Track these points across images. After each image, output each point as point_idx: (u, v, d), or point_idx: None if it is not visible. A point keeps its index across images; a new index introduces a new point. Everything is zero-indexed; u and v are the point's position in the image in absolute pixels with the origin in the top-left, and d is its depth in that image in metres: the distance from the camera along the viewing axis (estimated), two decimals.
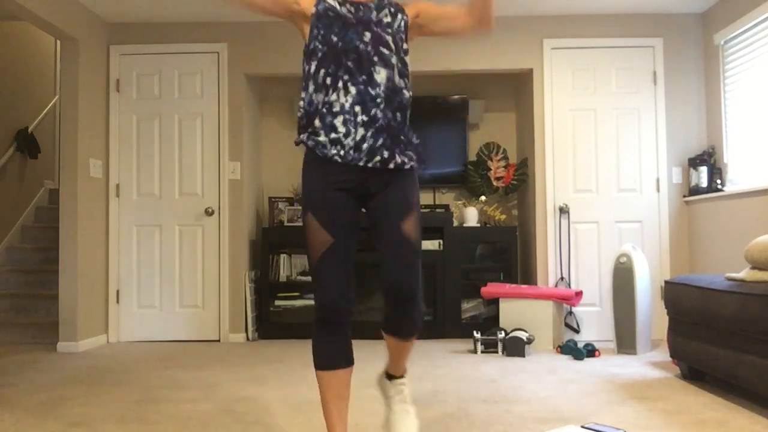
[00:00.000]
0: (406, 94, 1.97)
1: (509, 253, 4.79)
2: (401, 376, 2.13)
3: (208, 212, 4.76)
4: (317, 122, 1.91)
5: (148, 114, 4.83)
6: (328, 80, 1.90)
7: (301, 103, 1.96)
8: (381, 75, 1.90)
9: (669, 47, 4.68)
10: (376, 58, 1.90)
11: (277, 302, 4.81)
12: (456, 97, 5.14)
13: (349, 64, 1.89)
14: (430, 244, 4.73)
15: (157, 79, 4.83)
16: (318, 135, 1.91)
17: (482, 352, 4.13)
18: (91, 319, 4.52)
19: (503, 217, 5.01)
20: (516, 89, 5.31)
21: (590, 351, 3.95)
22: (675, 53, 4.69)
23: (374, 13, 1.96)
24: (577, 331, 4.56)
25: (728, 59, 4.35)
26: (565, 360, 3.88)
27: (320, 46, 1.91)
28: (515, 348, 3.99)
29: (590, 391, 3.06)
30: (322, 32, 1.92)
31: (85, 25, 4.48)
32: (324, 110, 1.90)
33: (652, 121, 4.67)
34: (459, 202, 5.13)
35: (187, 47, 4.80)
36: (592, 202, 4.66)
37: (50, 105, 6.33)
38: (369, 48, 1.90)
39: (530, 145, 4.82)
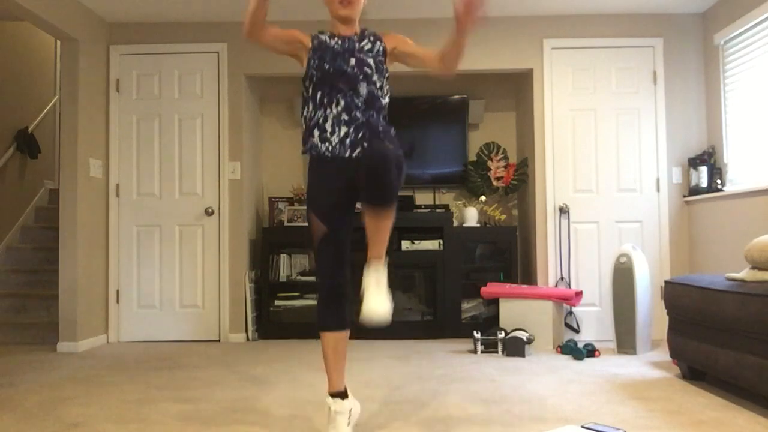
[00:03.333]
0: (383, 101, 2.43)
1: (509, 253, 4.79)
2: (378, 258, 2.28)
3: (208, 212, 4.76)
4: (315, 131, 2.38)
5: (148, 114, 4.83)
6: (325, 99, 2.37)
7: (302, 120, 2.43)
8: (363, 89, 2.37)
9: (669, 47, 4.69)
10: (361, 77, 2.37)
11: (277, 302, 4.81)
12: (456, 97, 5.14)
13: (340, 84, 2.36)
14: (429, 244, 4.73)
15: (157, 79, 4.83)
16: (313, 137, 2.38)
17: (482, 352, 4.13)
18: (91, 319, 4.52)
19: (503, 217, 5.01)
20: (516, 89, 5.31)
21: (590, 351, 3.95)
22: (675, 53, 4.69)
23: (357, 43, 2.43)
24: (577, 331, 4.56)
25: (728, 59, 4.35)
26: (565, 360, 3.88)
27: (316, 73, 2.38)
28: (515, 348, 3.99)
29: (590, 391, 3.06)
30: (317, 62, 2.39)
31: (85, 25, 4.48)
32: (320, 121, 2.37)
33: (652, 121, 4.67)
34: (459, 202, 5.13)
35: (187, 47, 4.80)
36: (592, 202, 4.66)
37: (50, 105, 6.33)
38: (355, 70, 2.37)
39: (530, 145, 4.82)
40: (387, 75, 2.45)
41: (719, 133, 4.47)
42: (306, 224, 4.89)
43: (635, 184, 4.65)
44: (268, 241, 4.82)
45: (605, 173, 4.67)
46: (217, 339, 4.74)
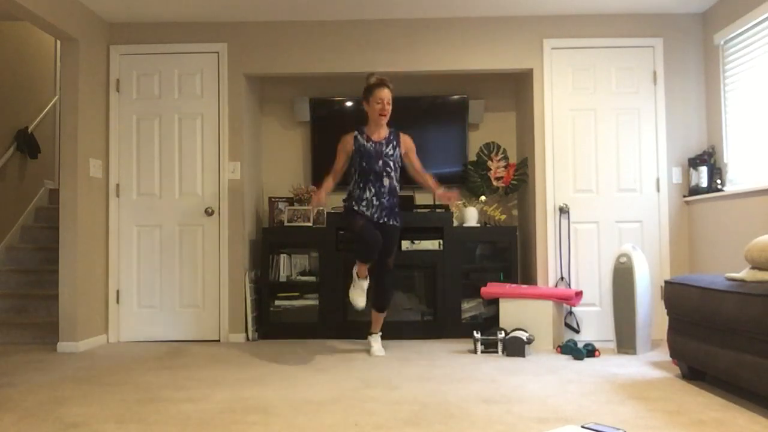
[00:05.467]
0: (398, 188, 4.07)
1: (509, 253, 4.79)
2: (377, 333, 4.24)
3: (208, 212, 4.76)
4: (355, 202, 3.99)
5: (148, 114, 4.83)
6: (362, 185, 3.99)
7: (351, 187, 4.05)
8: (387, 183, 3.99)
9: (669, 47, 4.69)
10: (384, 174, 3.98)
11: (277, 302, 4.81)
12: (456, 97, 5.14)
13: (371, 177, 3.96)
14: (429, 244, 4.73)
15: (157, 79, 4.83)
16: (358, 207, 3.99)
17: (482, 352, 4.13)
18: (91, 319, 4.52)
19: (503, 217, 5.01)
20: (516, 89, 5.31)
21: (590, 351, 3.95)
22: (675, 53, 4.69)
23: (384, 147, 3.99)
24: (577, 331, 4.56)
25: (728, 59, 4.35)
26: (565, 360, 3.88)
27: (358, 167, 3.99)
28: (515, 348, 3.99)
29: (590, 391, 3.06)
30: (359, 159, 3.98)
31: (85, 25, 4.48)
32: (359, 198, 3.99)
33: (652, 121, 4.67)
34: (459, 202, 5.12)
35: (187, 47, 4.80)
36: (592, 202, 4.66)
37: (50, 105, 6.33)
38: (381, 169, 3.97)
39: (530, 145, 4.82)
40: (400, 169, 4.07)
41: (719, 133, 4.48)
42: (306, 224, 4.90)
43: (635, 184, 4.65)
44: (268, 241, 4.82)
45: (605, 173, 4.67)
46: (217, 339, 4.74)
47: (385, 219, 3.97)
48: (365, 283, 4.02)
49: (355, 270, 4.02)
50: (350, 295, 4.04)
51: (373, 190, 3.93)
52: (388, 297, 4.15)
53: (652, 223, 4.64)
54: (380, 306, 4.16)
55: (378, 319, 4.20)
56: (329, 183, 4.01)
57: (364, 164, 3.92)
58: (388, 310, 4.24)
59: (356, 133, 4.01)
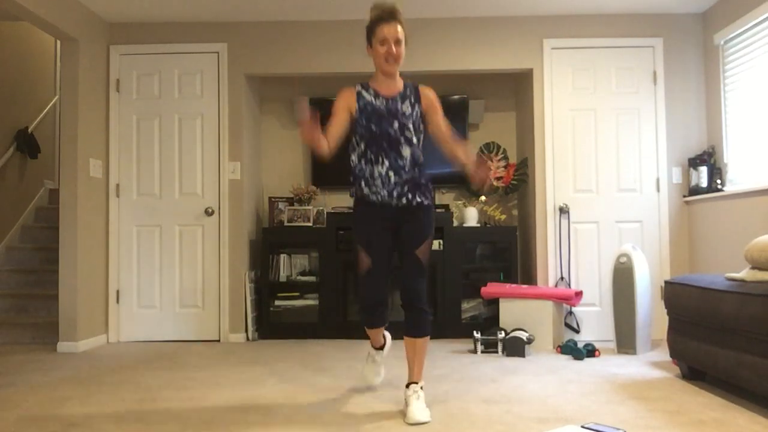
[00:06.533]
0: (422, 158, 2.80)
1: (509, 253, 4.79)
2: (416, 382, 2.74)
3: (208, 212, 4.76)
4: (363, 183, 2.77)
5: (148, 114, 4.83)
6: (372, 156, 2.74)
7: (352, 164, 2.81)
8: (407, 151, 2.75)
9: (669, 47, 4.68)
10: (402, 140, 2.74)
11: (277, 302, 4.81)
12: (456, 97, 5.14)
13: (385, 145, 2.73)
14: None
15: (157, 79, 4.83)
16: (364, 189, 2.78)
17: (482, 352, 4.13)
18: (91, 319, 4.52)
19: (503, 217, 5.01)
20: (516, 89, 5.31)
21: (590, 351, 3.95)
22: (675, 53, 4.69)
23: (399, 104, 2.76)
24: (577, 331, 4.56)
25: (728, 59, 4.35)
26: (565, 360, 3.87)
27: (364, 132, 2.74)
28: (515, 348, 3.99)
29: (590, 391, 3.06)
30: (364, 122, 2.74)
31: (85, 25, 4.48)
32: (369, 176, 2.75)
33: (652, 121, 4.67)
34: (459, 202, 5.12)
35: (187, 47, 4.80)
36: (592, 202, 4.66)
37: (50, 105, 6.33)
38: (397, 134, 2.73)
39: (530, 145, 4.82)
40: (423, 134, 2.84)
41: (719, 133, 4.47)
42: (306, 224, 4.90)
43: (635, 184, 4.65)
44: (268, 241, 4.82)
45: (605, 173, 4.66)
46: (217, 339, 4.74)
47: (409, 197, 2.75)
48: (381, 355, 3.14)
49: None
50: (362, 371, 3.20)
51: (387, 163, 2.72)
52: (422, 314, 2.74)
53: (652, 223, 4.64)
54: (415, 328, 2.75)
55: (415, 353, 2.77)
56: (322, 139, 2.66)
57: (373, 128, 2.72)
58: (427, 334, 2.78)
59: (359, 87, 2.80)
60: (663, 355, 3.97)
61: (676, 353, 3.30)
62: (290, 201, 5.05)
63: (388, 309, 2.88)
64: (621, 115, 4.68)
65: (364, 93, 2.77)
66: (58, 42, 6.33)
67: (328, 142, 2.68)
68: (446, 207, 5.01)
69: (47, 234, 5.70)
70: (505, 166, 4.96)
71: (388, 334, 3.19)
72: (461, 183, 5.09)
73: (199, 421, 2.61)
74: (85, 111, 4.48)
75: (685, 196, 4.63)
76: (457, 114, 5.12)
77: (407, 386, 2.73)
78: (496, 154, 5.01)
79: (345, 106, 2.76)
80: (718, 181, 4.33)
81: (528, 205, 4.92)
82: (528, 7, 4.57)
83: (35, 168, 6.05)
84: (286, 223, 4.92)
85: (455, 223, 4.90)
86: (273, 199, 5.09)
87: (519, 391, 3.07)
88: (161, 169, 4.81)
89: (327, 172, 5.08)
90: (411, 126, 2.75)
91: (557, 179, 4.67)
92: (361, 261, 2.77)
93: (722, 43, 4.40)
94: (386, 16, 2.70)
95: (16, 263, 5.47)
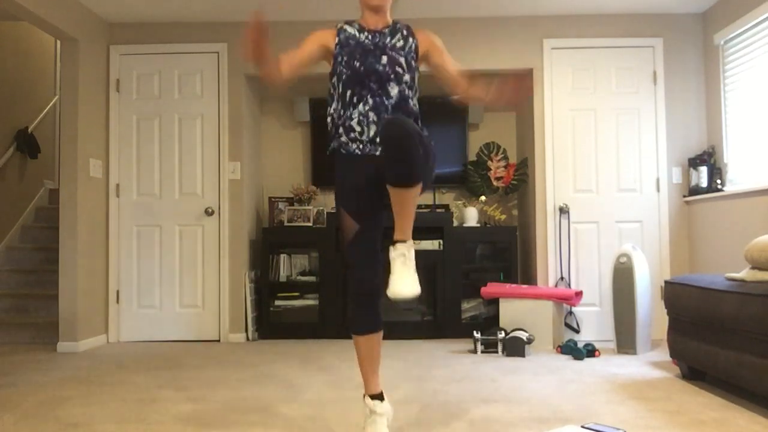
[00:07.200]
0: (411, 103, 2.36)
1: (509, 253, 4.79)
2: (403, 241, 2.19)
3: (208, 212, 4.76)
4: (341, 129, 2.32)
5: (148, 114, 4.83)
6: (355, 98, 2.29)
7: (329, 117, 2.37)
8: (395, 90, 2.30)
9: (669, 47, 4.68)
10: (392, 76, 2.30)
11: (277, 302, 4.81)
12: (456, 97, 5.13)
13: (372, 84, 2.29)
14: (429, 244, 4.73)
15: (157, 79, 4.83)
16: (341, 137, 2.32)
17: (482, 352, 4.13)
18: (91, 319, 4.52)
19: (503, 217, 5.00)
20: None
21: (590, 351, 3.95)
22: (675, 53, 4.68)
23: (389, 38, 2.35)
24: (577, 331, 4.56)
25: (728, 59, 4.35)
26: (565, 360, 3.88)
27: (345, 70, 2.29)
28: (515, 348, 3.99)
29: (590, 391, 3.06)
30: (345, 59, 2.30)
31: (85, 25, 4.48)
32: (347, 120, 2.30)
33: (652, 121, 4.67)
34: (459, 202, 5.12)
35: (187, 47, 4.80)
36: (592, 202, 4.66)
37: (50, 105, 6.33)
38: (387, 69, 2.29)
39: (530, 145, 4.82)
40: (417, 75, 2.40)
41: (719, 133, 4.47)
42: (306, 224, 4.89)
43: (635, 184, 4.65)
44: (268, 241, 4.82)
45: (605, 173, 4.66)
46: (217, 339, 4.74)
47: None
48: (383, 407, 2.30)
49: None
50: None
51: (370, 102, 2.28)
52: (413, 141, 1.99)
53: (652, 223, 4.64)
54: (400, 172, 2.05)
55: (402, 205, 2.16)
56: (273, 59, 2.25)
57: (356, 64, 2.28)
58: (420, 181, 2.11)
59: (341, 24, 2.39)
60: (663, 355, 3.97)
61: (676, 353, 3.30)
62: (290, 201, 5.05)
63: (379, 300, 2.33)
64: (621, 115, 4.68)
65: (347, 27, 2.36)
66: (58, 42, 6.32)
67: (281, 66, 2.25)
68: (446, 207, 5.01)
69: (47, 234, 5.70)
70: (505, 166, 4.96)
71: (389, 405, 2.37)
72: (461, 183, 5.09)
73: (199, 421, 2.61)
74: (85, 111, 4.48)
75: (685, 196, 4.63)
76: (457, 114, 5.12)
77: (392, 245, 2.17)
78: (496, 154, 5.01)
79: (317, 40, 2.34)
80: (718, 181, 4.33)
81: (528, 205, 4.92)
82: (528, 7, 4.57)
83: (35, 168, 6.05)
84: (286, 223, 4.92)
85: (455, 223, 4.90)
86: (273, 199, 5.09)
87: (519, 391, 3.07)
88: (161, 169, 4.81)
89: (327, 172, 5.08)
90: (403, 61, 2.32)
91: (557, 179, 4.67)
92: (347, 227, 2.31)
93: (722, 43, 4.40)
94: None
95: (16, 263, 5.47)
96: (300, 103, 5.20)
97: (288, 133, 5.37)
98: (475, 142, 5.21)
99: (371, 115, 2.27)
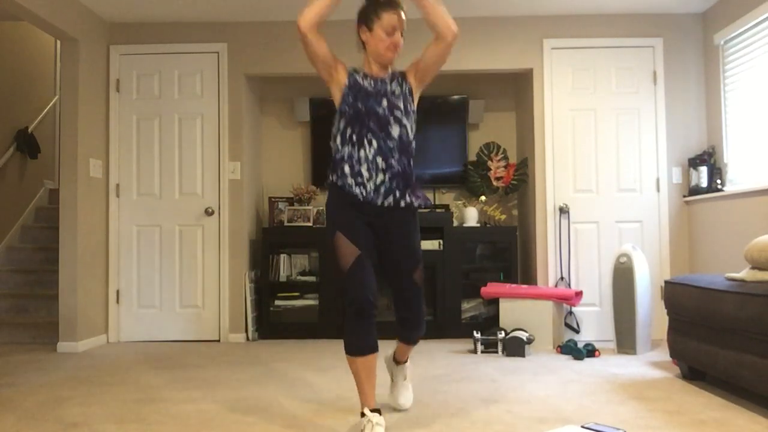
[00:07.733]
0: (413, 144, 2.54)
1: (509, 253, 4.79)
2: (405, 362, 2.79)
3: (208, 212, 4.76)
4: (346, 169, 2.47)
5: (148, 114, 4.83)
6: (354, 137, 2.46)
7: (333, 150, 2.53)
8: (395, 132, 2.47)
9: (669, 47, 4.69)
10: (391, 120, 2.47)
11: (277, 302, 4.81)
12: (456, 97, 5.14)
13: (371, 124, 2.45)
14: (429, 244, 4.73)
15: (157, 79, 4.83)
16: (347, 178, 2.46)
17: (482, 352, 4.13)
18: (91, 319, 4.52)
19: (503, 217, 5.01)
20: (516, 89, 5.31)
21: (590, 351, 3.95)
22: (675, 53, 4.69)
23: (388, 85, 2.53)
24: (577, 331, 4.56)
25: (728, 59, 4.35)
26: (565, 360, 3.88)
27: (349, 110, 2.47)
28: (515, 348, 3.99)
29: (590, 391, 3.06)
30: (350, 99, 2.48)
31: (85, 25, 4.48)
32: (352, 160, 2.45)
33: (652, 121, 4.67)
34: (459, 202, 5.12)
35: (187, 47, 4.80)
36: (592, 202, 4.66)
37: (50, 105, 6.33)
38: (386, 112, 2.47)
39: (530, 145, 4.82)
40: (414, 118, 2.57)
41: (719, 133, 4.47)
42: (306, 224, 4.89)
43: (635, 184, 4.65)
44: (268, 241, 4.82)
45: (605, 173, 4.67)
46: (217, 339, 4.74)
47: (397, 196, 2.49)
48: (378, 419, 2.36)
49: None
50: None
51: (375, 144, 2.45)
52: (419, 322, 2.59)
53: (652, 223, 4.64)
54: (410, 335, 2.64)
55: (407, 349, 2.73)
56: None
57: (359, 105, 2.47)
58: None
59: (352, 69, 2.59)
60: (663, 355, 3.97)
61: (676, 353, 3.30)
62: (290, 201, 5.05)
63: (374, 322, 2.42)
64: (621, 115, 4.68)
65: (355, 74, 2.54)
66: (58, 42, 6.33)
67: (320, 33, 2.46)
68: (446, 207, 5.01)
69: (47, 234, 5.70)
70: (505, 166, 4.96)
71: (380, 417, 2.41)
72: (461, 183, 5.09)
73: (199, 421, 2.62)
74: (85, 111, 4.48)
75: (685, 196, 4.63)
76: (457, 114, 5.12)
77: (396, 363, 2.77)
78: (496, 154, 5.01)
79: (340, 66, 2.54)
80: (718, 181, 4.33)
81: (528, 205, 4.92)
82: (528, 7, 4.57)
83: (35, 168, 6.05)
84: (286, 223, 4.92)
85: (455, 223, 4.90)
86: (273, 199, 5.10)
87: (519, 391, 3.07)
88: (161, 169, 4.82)
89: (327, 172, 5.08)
90: (402, 106, 2.51)
91: (557, 179, 4.67)
92: (344, 253, 2.42)
93: (722, 43, 4.40)
94: (394, 3, 2.52)
95: (16, 263, 5.47)
96: (300, 103, 5.21)
97: (288, 133, 5.37)
98: (475, 142, 5.21)
99: (379, 161, 2.45)
